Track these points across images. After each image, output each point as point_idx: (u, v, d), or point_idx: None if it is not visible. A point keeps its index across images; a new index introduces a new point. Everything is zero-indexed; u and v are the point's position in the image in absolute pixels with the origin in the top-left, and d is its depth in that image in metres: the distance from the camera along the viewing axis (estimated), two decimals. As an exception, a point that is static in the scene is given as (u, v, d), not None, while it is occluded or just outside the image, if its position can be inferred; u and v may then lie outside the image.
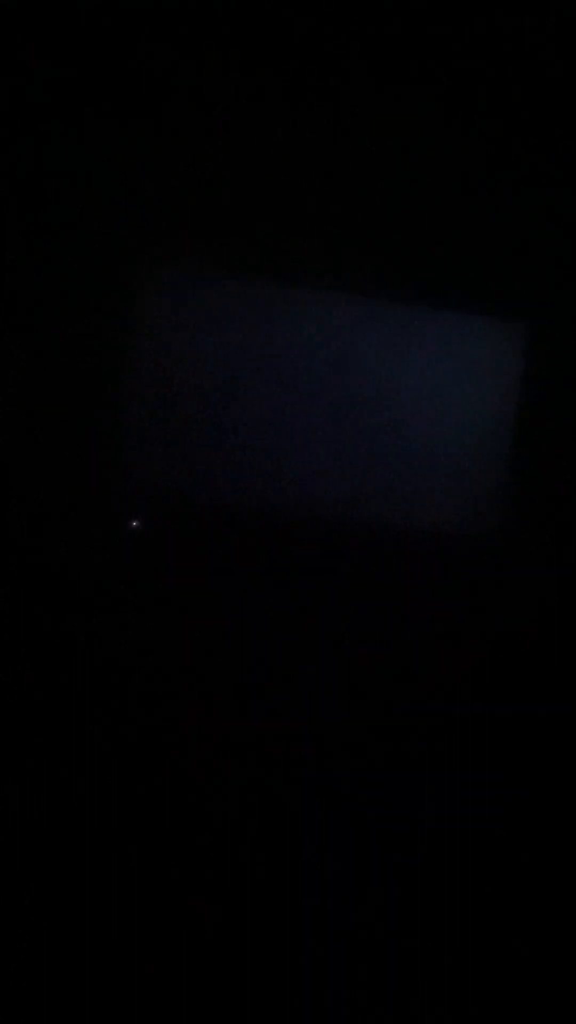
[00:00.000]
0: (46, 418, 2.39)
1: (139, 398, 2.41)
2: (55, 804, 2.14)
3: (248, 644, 2.33)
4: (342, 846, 2.15)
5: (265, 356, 2.41)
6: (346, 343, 2.42)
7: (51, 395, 2.40)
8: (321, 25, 2.18)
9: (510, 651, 2.32)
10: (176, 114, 2.33)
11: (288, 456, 2.43)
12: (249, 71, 2.25)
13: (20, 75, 2.26)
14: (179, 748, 2.25)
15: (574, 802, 2.17)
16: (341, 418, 2.44)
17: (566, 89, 2.29)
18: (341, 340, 2.42)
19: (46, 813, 2.13)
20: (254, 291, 2.39)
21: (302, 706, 2.29)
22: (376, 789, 2.22)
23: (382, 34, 2.20)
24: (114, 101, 2.30)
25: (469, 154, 2.35)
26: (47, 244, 2.39)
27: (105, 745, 2.24)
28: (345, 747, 2.27)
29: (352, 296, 2.40)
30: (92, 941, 1.97)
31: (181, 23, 2.20)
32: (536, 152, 2.30)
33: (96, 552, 2.37)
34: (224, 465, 2.42)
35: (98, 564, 2.36)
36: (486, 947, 2.02)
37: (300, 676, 2.31)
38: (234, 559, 2.39)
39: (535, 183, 2.33)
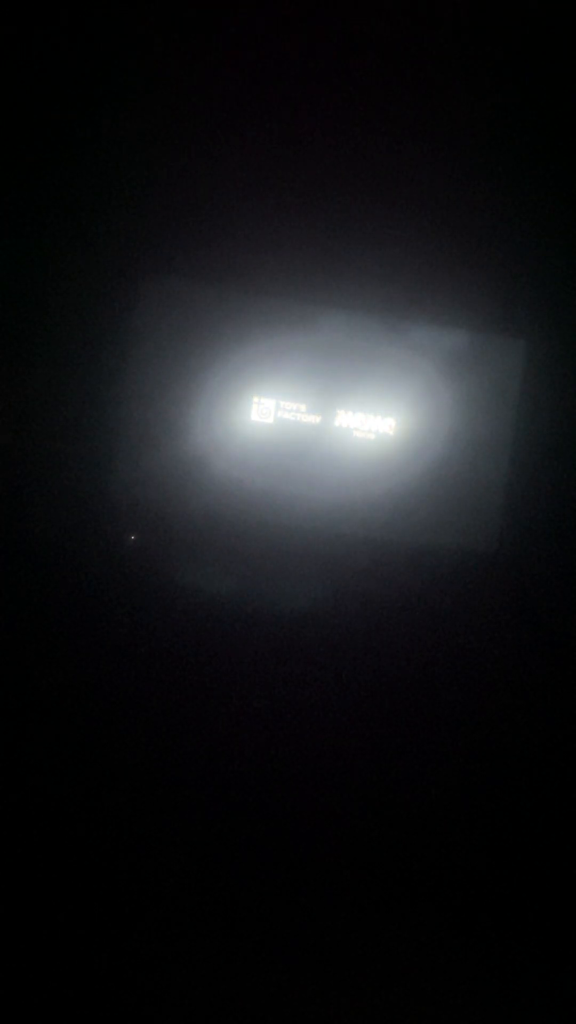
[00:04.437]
0: (44, 426, 2.40)
1: (138, 405, 2.42)
2: (55, 817, 2.17)
3: (246, 654, 2.35)
4: (340, 849, 2.19)
5: (264, 367, 2.41)
6: (345, 355, 2.43)
7: (49, 403, 2.40)
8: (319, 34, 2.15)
9: (510, 666, 2.35)
10: (176, 118, 2.31)
11: (286, 468, 2.44)
12: (250, 79, 2.22)
13: (19, 77, 2.24)
14: (180, 752, 2.28)
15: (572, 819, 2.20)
16: (339, 430, 2.45)
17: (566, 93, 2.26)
18: (339, 352, 2.43)
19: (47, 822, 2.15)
20: (254, 305, 2.39)
21: (300, 720, 2.31)
22: (375, 802, 2.26)
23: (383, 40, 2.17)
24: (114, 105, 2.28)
25: (467, 160, 2.33)
26: (46, 250, 2.38)
27: (105, 751, 2.27)
28: (344, 758, 2.30)
29: (352, 310, 2.40)
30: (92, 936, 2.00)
31: (181, 28, 2.17)
32: (535, 164, 2.28)
33: (95, 564, 2.38)
34: (221, 477, 2.42)
35: (97, 576, 2.38)
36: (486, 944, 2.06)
37: (299, 687, 2.34)
38: (232, 569, 2.41)
39: (534, 196, 2.32)
